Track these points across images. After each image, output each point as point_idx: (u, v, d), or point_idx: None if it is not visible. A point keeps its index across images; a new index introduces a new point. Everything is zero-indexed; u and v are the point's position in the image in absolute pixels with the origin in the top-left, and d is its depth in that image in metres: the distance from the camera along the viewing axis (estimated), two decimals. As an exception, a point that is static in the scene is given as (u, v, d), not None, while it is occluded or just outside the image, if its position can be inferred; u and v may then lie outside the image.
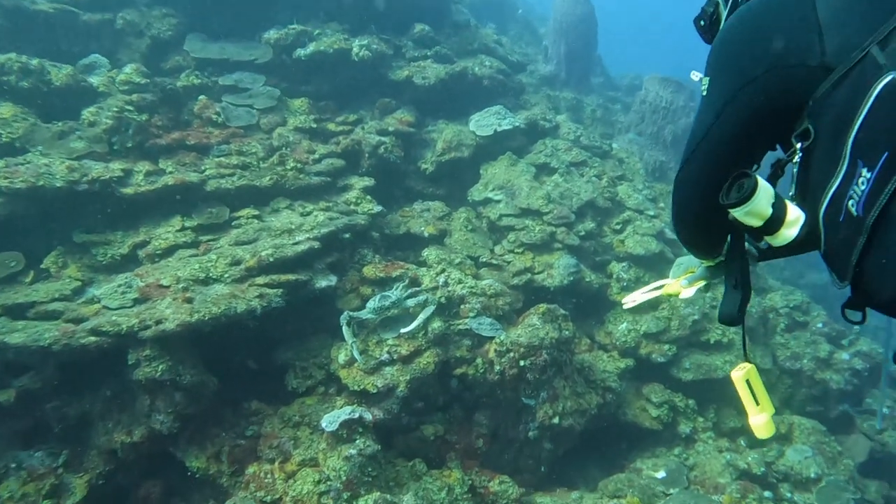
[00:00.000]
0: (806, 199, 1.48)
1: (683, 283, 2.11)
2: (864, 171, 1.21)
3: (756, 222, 1.49)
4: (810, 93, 1.35)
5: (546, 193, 7.69)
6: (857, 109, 1.23)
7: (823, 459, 6.60)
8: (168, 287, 5.57)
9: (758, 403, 1.72)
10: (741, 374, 1.74)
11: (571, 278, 7.06)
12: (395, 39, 8.99)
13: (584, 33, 13.01)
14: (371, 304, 5.85)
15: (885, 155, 1.16)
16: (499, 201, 7.74)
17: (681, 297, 2.13)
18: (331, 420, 5.34)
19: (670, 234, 8.07)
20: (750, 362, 1.78)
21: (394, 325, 5.94)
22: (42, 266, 5.81)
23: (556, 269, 7.07)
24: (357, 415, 5.38)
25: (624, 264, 7.60)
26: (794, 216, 1.47)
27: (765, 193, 1.46)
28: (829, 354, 7.95)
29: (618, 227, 8.00)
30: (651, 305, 7.41)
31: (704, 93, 1.59)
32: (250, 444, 5.62)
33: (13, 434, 5.14)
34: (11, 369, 5.19)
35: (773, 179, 1.55)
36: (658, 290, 2.20)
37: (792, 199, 1.51)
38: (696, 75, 1.79)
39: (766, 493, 6.29)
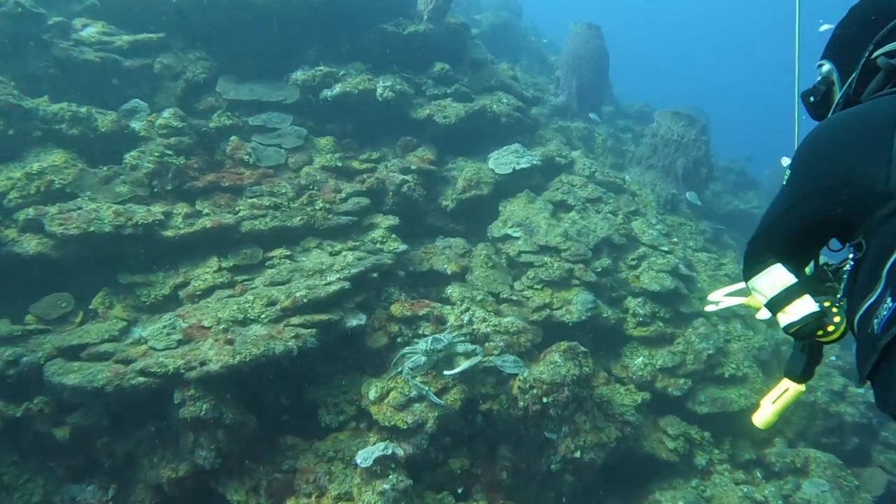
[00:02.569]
0: (850, 302, 1.62)
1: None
2: (889, 300, 1.36)
3: (760, 298, 1.75)
4: (870, 213, 1.48)
5: (564, 231, 7.97)
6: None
7: (841, 494, 6.77)
8: (209, 328, 5.85)
9: (773, 403, 1.96)
10: (788, 383, 1.95)
11: (589, 314, 7.32)
12: (415, 77, 9.33)
13: (595, 66, 13.35)
14: (423, 345, 6.09)
15: None
16: (517, 238, 8.03)
17: (758, 315, 2.27)
18: (365, 456, 5.60)
19: (685, 271, 8.34)
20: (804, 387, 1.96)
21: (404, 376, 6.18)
22: (90, 306, 6.11)
23: (575, 306, 7.34)
24: (390, 451, 5.64)
25: (639, 300, 7.86)
26: (797, 309, 1.68)
27: (770, 281, 1.70)
28: (842, 387, 8.15)
29: (633, 262, 8.26)
30: (666, 340, 7.67)
31: (784, 181, 1.79)
32: (286, 478, 5.85)
33: (67, 469, 5.41)
34: (64, 407, 5.47)
35: (817, 278, 1.79)
36: (742, 298, 2.34)
37: (840, 300, 1.72)
38: (785, 161, 2.02)
39: (783, 527, 6.49)
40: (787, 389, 1.91)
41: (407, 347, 6.42)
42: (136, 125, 7.19)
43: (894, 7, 1.75)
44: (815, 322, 1.66)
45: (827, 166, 1.60)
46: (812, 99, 1.98)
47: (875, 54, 1.72)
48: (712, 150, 14.69)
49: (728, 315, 8.47)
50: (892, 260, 1.38)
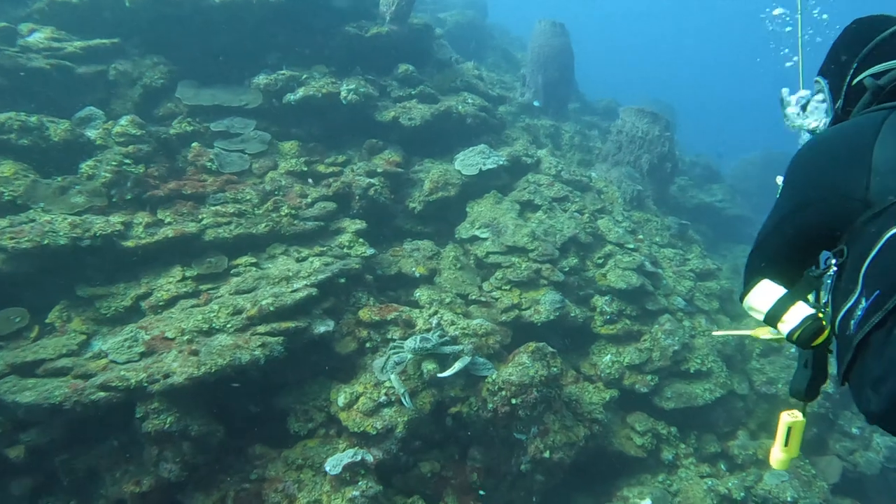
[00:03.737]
0: (834, 307, 1.67)
1: (773, 331, 2.19)
2: (863, 301, 1.44)
3: (757, 315, 1.79)
4: (852, 221, 1.57)
5: (531, 231, 8.02)
6: (873, 247, 1.45)
7: (799, 483, 6.97)
8: (173, 339, 5.77)
9: (786, 445, 1.96)
10: (789, 420, 1.96)
11: (557, 314, 7.38)
12: (380, 79, 9.30)
13: (561, 64, 13.43)
14: (411, 343, 6.11)
15: (877, 293, 1.39)
16: (485, 239, 8.05)
17: (759, 336, 2.27)
18: (334, 463, 5.59)
19: (650, 268, 8.44)
20: (804, 417, 1.96)
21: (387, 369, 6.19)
22: (47, 321, 5.98)
23: (543, 305, 7.39)
24: (359, 457, 5.64)
25: (607, 297, 7.94)
26: (794, 315, 1.73)
27: (762, 296, 1.77)
28: (802, 379, 8.34)
29: (600, 261, 8.34)
30: (633, 337, 7.77)
31: (778, 195, 1.88)
32: (255, 487, 5.81)
33: (23, 489, 5.29)
34: (20, 425, 5.34)
35: (805, 286, 1.83)
36: (748, 330, 2.36)
37: (825, 305, 1.76)
38: (779, 179, 2.02)
39: (746, 517, 6.64)
40: (790, 428, 1.92)
41: (395, 343, 6.43)
42: (91, 133, 7.04)
43: (881, 28, 1.85)
44: (814, 323, 1.70)
45: (813, 180, 1.71)
46: (802, 115, 2.13)
47: (861, 76, 1.82)
48: (678, 146, 14.94)
49: (693, 311, 8.61)
50: (867, 263, 1.45)
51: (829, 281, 1.70)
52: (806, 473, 7.12)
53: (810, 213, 1.71)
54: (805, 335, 1.72)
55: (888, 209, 1.48)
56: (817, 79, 2.08)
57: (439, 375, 6.06)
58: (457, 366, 6.07)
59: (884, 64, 1.78)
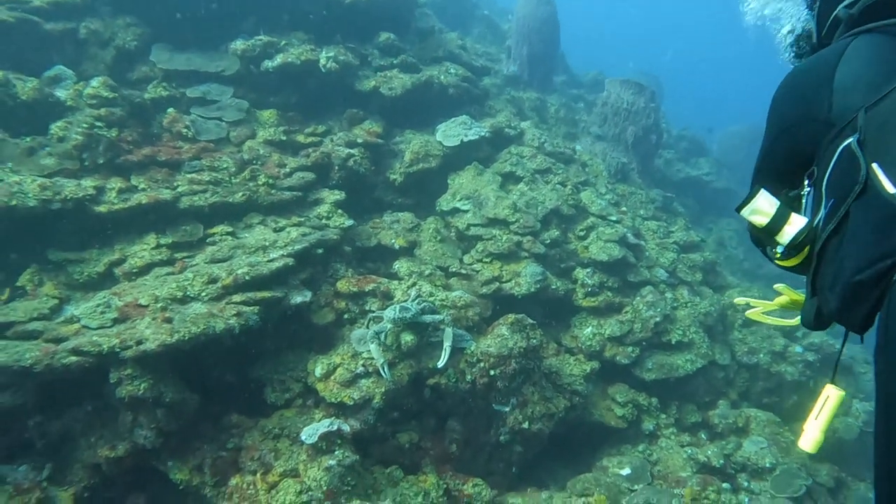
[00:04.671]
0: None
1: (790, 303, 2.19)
2: (823, 211, 1.57)
3: (762, 220, 1.78)
4: (820, 142, 1.65)
5: (512, 203, 7.93)
6: (831, 161, 1.55)
7: (778, 449, 7.03)
8: (147, 306, 5.66)
9: (816, 419, 1.79)
10: (829, 391, 1.81)
11: (538, 286, 7.33)
12: (360, 48, 9.10)
13: (546, 35, 13.25)
14: (390, 313, 6.01)
15: (832, 202, 1.51)
16: (466, 211, 7.96)
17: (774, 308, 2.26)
18: (310, 433, 5.54)
19: (633, 240, 8.41)
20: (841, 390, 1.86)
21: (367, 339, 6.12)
22: (18, 284, 5.85)
23: (524, 278, 7.33)
24: (336, 427, 5.59)
25: (588, 270, 7.90)
26: (796, 220, 1.75)
27: (767, 201, 1.78)
28: (783, 348, 8.43)
29: (582, 233, 8.29)
30: (615, 309, 7.76)
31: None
32: (232, 456, 5.77)
33: (-2, 451, 5.22)
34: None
35: (791, 204, 1.85)
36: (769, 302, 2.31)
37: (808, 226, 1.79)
38: None
39: (725, 485, 6.68)
40: (827, 398, 1.77)
41: (373, 314, 6.37)
42: (61, 94, 6.81)
43: None
44: (810, 233, 1.71)
45: (788, 108, 1.82)
46: (793, 51, 2.22)
47: (837, 8, 1.90)
48: (665, 119, 14.85)
49: (676, 283, 8.60)
50: (826, 176, 1.58)
51: (805, 201, 1.82)
52: (785, 440, 7.17)
53: (787, 139, 1.81)
54: (803, 242, 1.75)
55: (849, 125, 1.55)
56: (805, 17, 2.15)
57: (439, 366, 5.98)
58: (446, 348, 6.00)
59: None
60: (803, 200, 1.80)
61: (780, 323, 2.25)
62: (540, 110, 12.37)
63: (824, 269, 1.52)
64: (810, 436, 1.73)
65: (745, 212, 1.81)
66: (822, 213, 1.60)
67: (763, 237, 1.82)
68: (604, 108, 11.39)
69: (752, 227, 1.83)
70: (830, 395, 1.74)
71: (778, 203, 1.77)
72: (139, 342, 5.21)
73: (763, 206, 1.78)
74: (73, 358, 5.05)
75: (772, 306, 2.21)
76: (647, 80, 14.30)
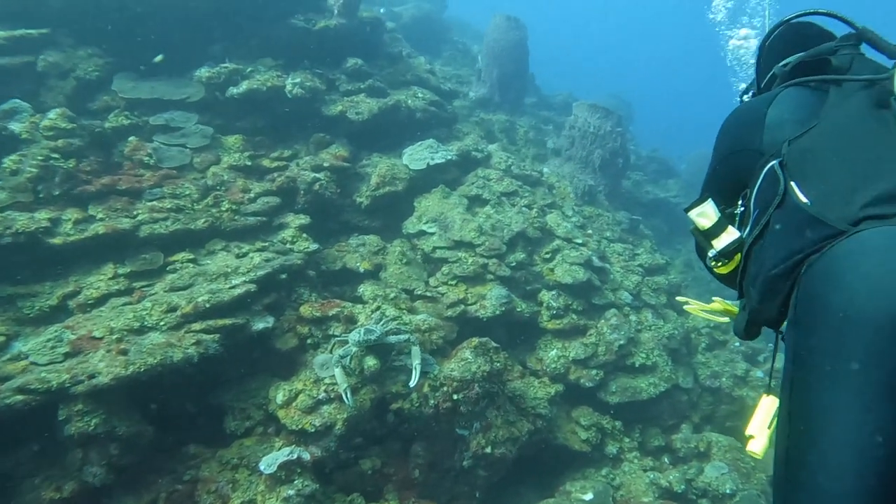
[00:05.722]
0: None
1: (730, 303, 2.49)
2: (750, 225, 1.88)
3: (706, 223, 2.08)
4: (753, 168, 1.93)
5: (478, 226, 7.98)
6: (758, 180, 1.86)
7: (738, 475, 7.05)
8: (101, 339, 5.58)
9: (769, 428, 1.99)
10: (770, 403, 2.01)
11: (503, 308, 7.36)
12: (328, 73, 9.16)
13: (516, 58, 13.42)
14: (355, 336, 5.98)
15: (756, 212, 1.82)
16: (433, 234, 8.00)
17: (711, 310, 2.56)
18: (269, 462, 5.49)
19: (598, 263, 8.48)
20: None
21: (332, 365, 6.10)
22: (-36, 322, 5.74)
23: (489, 301, 7.36)
24: (295, 456, 5.54)
25: (553, 292, 7.95)
26: (731, 231, 2.06)
27: (713, 209, 2.09)
28: (745, 372, 8.50)
29: (547, 255, 8.35)
30: (580, 332, 7.80)
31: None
32: (188, 488, 5.67)
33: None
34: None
35: (728, 218, 2.14)
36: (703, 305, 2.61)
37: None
38: None
39: (686, 510, 6.71)
40: (776, 408, 1.92)
41: (338, 338, 6.35)
42: (15, 127, 6.74)
43: (807, 42, 2.24)
44: (737, 246, 2.00)
45: (729, 139, 2.15)
46: (743, 98, 2.58)
47: (774, 69, 2.26)
48: (634, 141, 15.06)
49: (640, 306, 8.67)
50: (754, 192, 1.88)
51: (738, 217, 2.10)
52: (745, 466, 7.20)
53: (728, 164, 2.13)
54: (730, 253, 2.05)
55: (773, 154, 1.86)
56: (751, 74, 2.59)
57: (411, 385, 5.96)
58: (416, 366, 5.98)
59: (790, 58, 2.20)
60: (736, 218, 2.09)
61: (715, 319, 2.56)
62: (509, 132, 12.49)
63: (749, 269, 1.79)
64: (760, 442, 1.98)
65: (693, 213, 2.13)
66: (748, 229, 1.90)
67: (702, 241, 2.11)
68: (571, 132, 11.52)
69: (696, 230, 2.13)
70: (764, 403, 2.00)
71: (720, 214, 2.09)
72: (91, 376, 5.12)
73: (709, 212, 2.10)
74: (19, 397, 4.90)
75: (707, 308, 2.50)
76: (616, 103, 14.53)
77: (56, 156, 6.58)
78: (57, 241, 6.12)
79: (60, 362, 5.31)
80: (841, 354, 1.35)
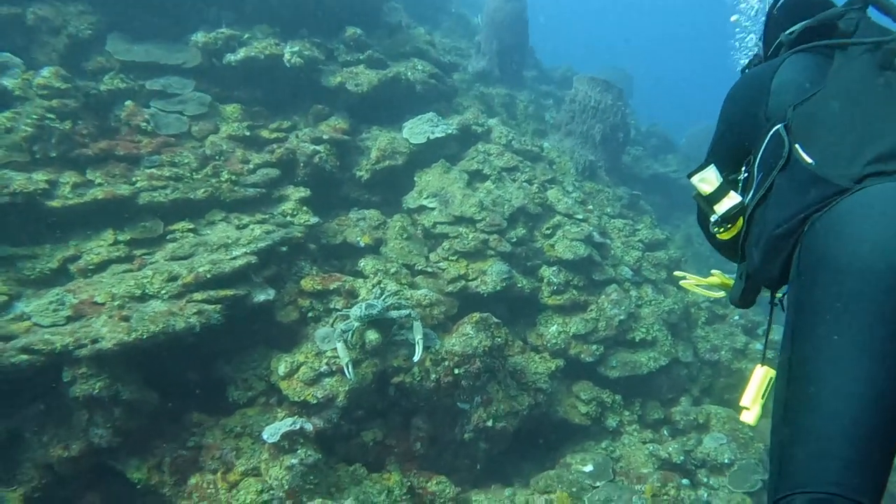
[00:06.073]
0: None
1: (724, 275, 2.56)
2: (753, 190, 1.90)
3: (707, 189, 2.10)
4: (757, 135, 1.96)
5: (479, 201, 7.92)
6: (763, 144, 1.89)
7: (737, 445, 7.13)
8: (103, 304, 5.53)
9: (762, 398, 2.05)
10: (767, 373, 2.07)
11: (504, 284, 7.34)
12: (326, 43, 8.99)
13: (516, 30, 13.23)
14: (356, 311, 5.97)
15: (760, 176, 1.86)
16: (433, 209, 7.93)
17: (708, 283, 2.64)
18: (272, 432, 5.48)
19: (598, 238, 8.47)
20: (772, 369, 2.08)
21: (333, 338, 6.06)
22: (-35, 281, 5.66)
23: (489, 276, 7.33)
24: (298, 426, 5.53)
25: (554, 268, 7.93)
26: (733, 196, 2.07)
27: (714, 175, 2.11)
28: (744, 345, 8.58)
29: (548, 231, 8.31)
30: (580, 307, 7.80)
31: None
32: (192, 454, 5.69)
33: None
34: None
35: (731, 184, 2.16)
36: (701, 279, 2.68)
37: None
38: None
39: (685, 481, 6.76)
40: (769, 378, 2.03)
41: (339, 312, 6.34)
42: (8, 83, 6.54)
43: (812, 10, 2.25)
44: (739, 210, 2.01)
45: (735, 105, 2.17)
46: (747, 70, 2.53)
47: (781, 36, 2.28)
48: (634, 115, 14.96)
49: (640, 281, 8.69)
50: (759, 157, 1.90)
51: (741, 183, 2.12)
52: (744, 436, 7.28)
53: (734, 130, 2.16)
54: (732, 216, 2.06)
55: (778, 119, 1.88)
56: (758, 42, 2.59)
57: (415, 360, 5.95)
58: (418, 340, 5.96)
59: (795, 26, 2.24)
60: (739, 184, 2.11)
61: (710, 295, 2.64)
62: (509, 106, 12.36)
63: (752, 231, 1.84)
64: (754, 412, 2.01)
65: (695, 179, 2.15)
66: (751, 193, 1.92)
67: (704, 206, 2.13)
68: (571, 106, 11.43)
69: (698, 196, 2.14)
70: (758, 373, 2.06)
71: (721, 179, 2.10)
72: (94, 341, 5.10)
73: (710, 178, 2.12)
74: (24, 356, 4.92)
75: (704, 282, 2.58)
76: (618, 75, 14.37)
77: (51, 115, 6.41)
78: (56, 203, 6.02)
79: (63, 325, 5.28)
80: (843, 304, 1.39)
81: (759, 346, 8.57)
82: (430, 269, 7.42)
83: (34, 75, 6.69)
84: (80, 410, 5.23)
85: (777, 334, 2.94)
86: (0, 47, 6.97)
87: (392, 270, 7.18)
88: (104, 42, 7.73)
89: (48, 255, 6.00)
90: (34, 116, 6.31)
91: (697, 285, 2.64)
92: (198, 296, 5.81)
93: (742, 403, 2.03)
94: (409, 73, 9.23)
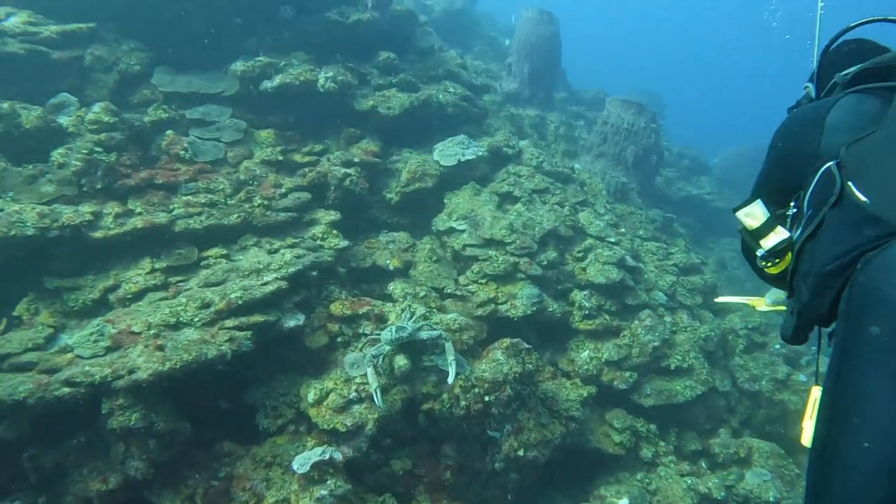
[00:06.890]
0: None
1: (769, 301, 2.70)
2: (802, 227, 1.92)
3: (753, 223, 2.15)
4: (808, 171, 1.97)
5: (509, 223, 7.89)
6: (813, 181, 1.90)
7: (782, 483, 6.87)
8: (139, 333, 5.63)
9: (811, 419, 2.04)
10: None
11: (534, 308, 7.28)
12: (360, 67, 9.11)
13: (547, 53, 13.26)
14: (387, 334, 6.00)
15: (810, 212, 1.87)
16: (462, 231, 7.93)
17: (757, 307, 2.78)
18: (302, 462, 5.49)
19: (631, 262, 8.35)
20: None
21: (363, 364, 6.07)
22: (14, 313, 5.86)
23: (520, 300, 7.28)
24: (328, 456, 5.54)
25: (585, 292, 7.84)
26: (780, 231, 2.12)
27: (761, 209, 2.15)
28: (786, 376, 8.30)
29: (579, 255, 8.23)
30: (612, 333, 7.68)
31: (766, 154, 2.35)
32: (223, 485, 5.71)
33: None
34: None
35: (778, 219, 2.19)
36: (746, 299, 2.81)
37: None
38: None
39: (727, 518, 6.57)
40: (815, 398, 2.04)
41: (369, 336, 6.37)
42: (63, 120, 6.84)
43: (864, 55, 2.26)
44: (788, 246, 2.06)
45: (786, 142, 2.19)
46: (794, 109, 2.54)
47: (836, 76, 2.28)
48: (666, 137, 14.81)
49: (675, 307, 8.52)
50: (809, 193, 1.92)
51: (789, 220, 2.16)
52: (789, 473, 7.02)
53: (783, 165, 2.19)
54: (779, 252, 2.10)
55: (830, 157, 1.89)
56: (806, 84, 2.60)
57: (449, 381, 5.93)
58: (451, 362, 5.94)
59: (851, 68, 2.22)
60: (787, 219, 2.15)
61: (745, 301, 2.71)
62: (539, 128, 12.35)
63: (801, 267, 1.86)
64: (809, 433, 1.96)
65: (741, 213, 2.19)
66: (800, 229, 1.94)
67: (750, 240, 2.17)
68: (604, 128, 11.37)
69: (744, 230, 2.19)
70: (815, 394, 2.01)
71: (769, 214, 2.14)
72: (131, 371, 5.19)
73: (756, 212, 2.16)
74: (66, 389, 5.03)
75: (747, 302, 2.65)
76: (648, 98, 14.28)
77: (99, 149, 6.65)
78: (99, 234, 6.20)
79: (102, 356, 5.40)
80: (892, 346, 1.40)
81: (802, 377, 8.29)
82: (459, 293, 7.40)
83: (86, 112, 6.94)
84: (118, 443, 5.32)
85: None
86: (59, 88, 7.29)
87: (421, 294, 7.18)
88: (151, 75, 8.00)
89: (90, 285, 6.16)
90: (84, 151, 6.54)
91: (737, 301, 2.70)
92: (229, 322, 5.87)
93: (803, 424, 2.03)
94: (441, 96, 9.29)
